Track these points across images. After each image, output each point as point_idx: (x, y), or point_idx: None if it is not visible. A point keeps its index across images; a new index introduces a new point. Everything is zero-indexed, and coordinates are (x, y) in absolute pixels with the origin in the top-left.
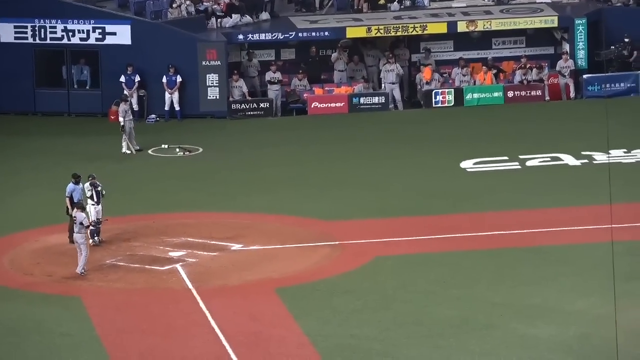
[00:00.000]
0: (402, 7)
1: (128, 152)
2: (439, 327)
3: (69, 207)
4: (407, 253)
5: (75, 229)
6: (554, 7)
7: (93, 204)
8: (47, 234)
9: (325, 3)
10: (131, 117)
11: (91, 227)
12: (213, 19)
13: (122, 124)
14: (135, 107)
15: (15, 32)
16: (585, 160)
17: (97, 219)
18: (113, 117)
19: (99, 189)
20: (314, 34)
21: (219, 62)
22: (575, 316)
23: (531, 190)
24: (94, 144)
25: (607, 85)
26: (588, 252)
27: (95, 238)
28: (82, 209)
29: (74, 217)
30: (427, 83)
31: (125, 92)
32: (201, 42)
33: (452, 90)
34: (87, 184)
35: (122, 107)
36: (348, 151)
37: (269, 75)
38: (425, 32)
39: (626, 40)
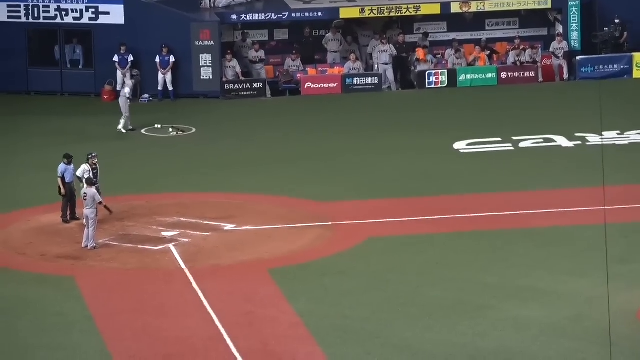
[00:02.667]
0: None
1: (124, 131)
2: (431, 308)
3: (62, 187)
4: (400, 234)
5: (86, 205)
6: None
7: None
8: (40, 214)
9: None
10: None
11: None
12: None
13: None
14: (128, 82)
15: (9, 12)
16: (579, 142)
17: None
18: (106, 97)
19: (97, 171)
20: (307, 14)
21: (212, 42)
22: (568, 298)
23: (524, 172)
24: (87, 123)
25: (601, 67)
26: (581, 234)
27: None
28: (92, 184)
29: (84, 193)
30: (418, 61)
31: (120, 72)
32: (194, 22)
33: (446, 71)
34: (84, 165)
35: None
36: (341, 132)
37: (251, 55)
38: (419, 13)
39: (616, 21)
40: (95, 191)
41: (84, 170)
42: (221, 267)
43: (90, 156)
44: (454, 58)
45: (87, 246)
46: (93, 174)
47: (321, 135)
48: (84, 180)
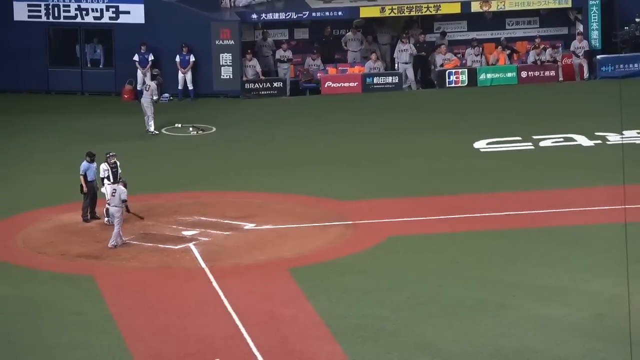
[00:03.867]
0: None
1: (157, 132)
2: (452, 307)
3: (84, 185)
4: (420, 233)
5: (112, 202)
6: None
7: (109, 184)
8: (60, 213)
9: None
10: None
11: (106, 206)
12: None
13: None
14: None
15: (29, 11)
16: (599, 141)
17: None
18: (127, 96)
19: (116, 170)
20: (327, 13)
21: (232, 42)
22: (589, 297)
23: (544, 171)
24: (107, 123)
25: (621, 66)
26: (601, 233)
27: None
28: (124, 184)
29: (114, 190)
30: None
31: (140, 71)
32: (215, 21)
33: (466, 70)
34: (103, 165)
35: (154, 84)
36: (361, 131)
37: (279, 54)
38: (439, 12)
39: (637, 20)
40: (124, 189)
41: (102, 169)
42: (241, 266)
43: (108, 155)
44: (473, 56)
45: (114, 245)
46: (112, 172)
47: (341, 134)
48: (104, 180)
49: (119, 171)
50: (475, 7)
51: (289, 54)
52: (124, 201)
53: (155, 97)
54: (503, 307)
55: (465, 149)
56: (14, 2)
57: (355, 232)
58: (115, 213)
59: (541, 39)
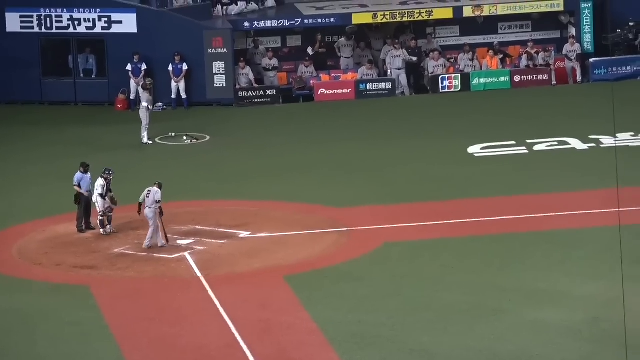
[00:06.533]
0: None
1: (150, 142)
2: (448, 312)
3: (82, 192)
4: (416, 239)
5: (147, 204)
6: None
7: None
8: (55, 224)
9: None
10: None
11: (100, 217)
12: (219, 7)
13: (150, 108)
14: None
15: (22, 22)
16: (593, 144)
17: (106, 207)
18: (120, 106)
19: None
20: (319, 20)
21: (225, 50)
22: (584, 300)
23: (539, 175)
24: (101, 133)
25: (614, 69)
26: (596, 236)
27: (108, 227)
28: (159, 186)
29: (148, 190)
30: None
31: (133, 80)
32: (207, 29)
33: (459, 75)
34: (100, 180)
35: (147, 95)
36: (355, 137)
37: (264, 62)
38: (431, 17)
39: (631, 24)
40: (158, 189)
41: (99, 185)
42: (237, 274)
43: (107, 172)
44: (466, 60)
45: (147, 246)
46: (108, 189)
47: (335, 141)
48: (98, 196)
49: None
50: (467, 12)
51: (274, 62)
52: (158, 202)
53: (149, 106)
54: (499, 312)
55: (460, 154)
56: (7, 13)
57: (350, 238)
58: (149, 214)
59: (534, 42)
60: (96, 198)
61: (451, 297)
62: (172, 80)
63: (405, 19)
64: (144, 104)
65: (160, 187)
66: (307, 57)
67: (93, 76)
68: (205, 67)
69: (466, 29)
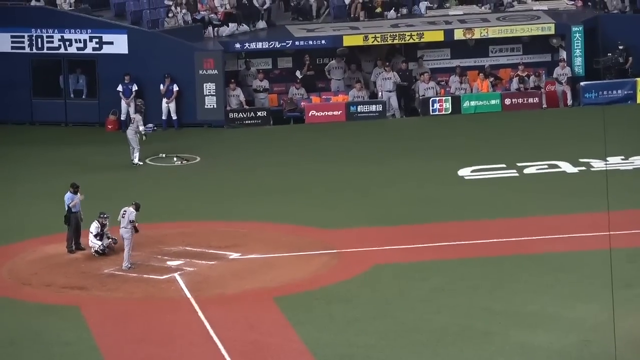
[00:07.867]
0: (399, 15)
1: (141, 162)
2: (437, 335)
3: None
4: (406, 261)
5: (122, 224)
6: (550, 15)
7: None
8: (45, 244)
9: (322, 12)
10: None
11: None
12: (210, 28)
13: (143, 133)
14: (133, 116)
15: (12, 42)
16: (583, 168)
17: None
18: (111, 127)
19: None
20: (310, 42)
21: (216, 71)
22: (574, 323)
23: (529, 198)
24: (91, 153)
25: (605, 93)
26: (586, 260)
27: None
28: (137, 206)
29: (124, 210)
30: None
31: (124, 101)
32: (198, 51)
33: (450, 98)
34: (95, 222)
35: (138, 116)
36: (346, 159)
37: (255, 84)
38: (422, 40)
39: (620, 47)
40: (133, 210)
41: (93, 227)
42: (227, 295)
43: (102, 216)
44: (457, 83)
45: (127, 267)
46: (102, 231)
47: (326, 163)
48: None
49: (107, 227)
50: (458, 34)
51: (265, 83)
52: (132, 222)
53: (141, 129)
54: (488, 334)
55: (450, 176)
56: None
57: (340, 260)
58: (124, 234)
59: (524, 66)
60: (91, 239)
61: (441, 320)
62: (163, 101)
63: (396, 42)
64: (141, 128)
65: (137, 207)
66: (297, 79)
67: (84, 97)
68: (196, 88)
69: (457, 52)
